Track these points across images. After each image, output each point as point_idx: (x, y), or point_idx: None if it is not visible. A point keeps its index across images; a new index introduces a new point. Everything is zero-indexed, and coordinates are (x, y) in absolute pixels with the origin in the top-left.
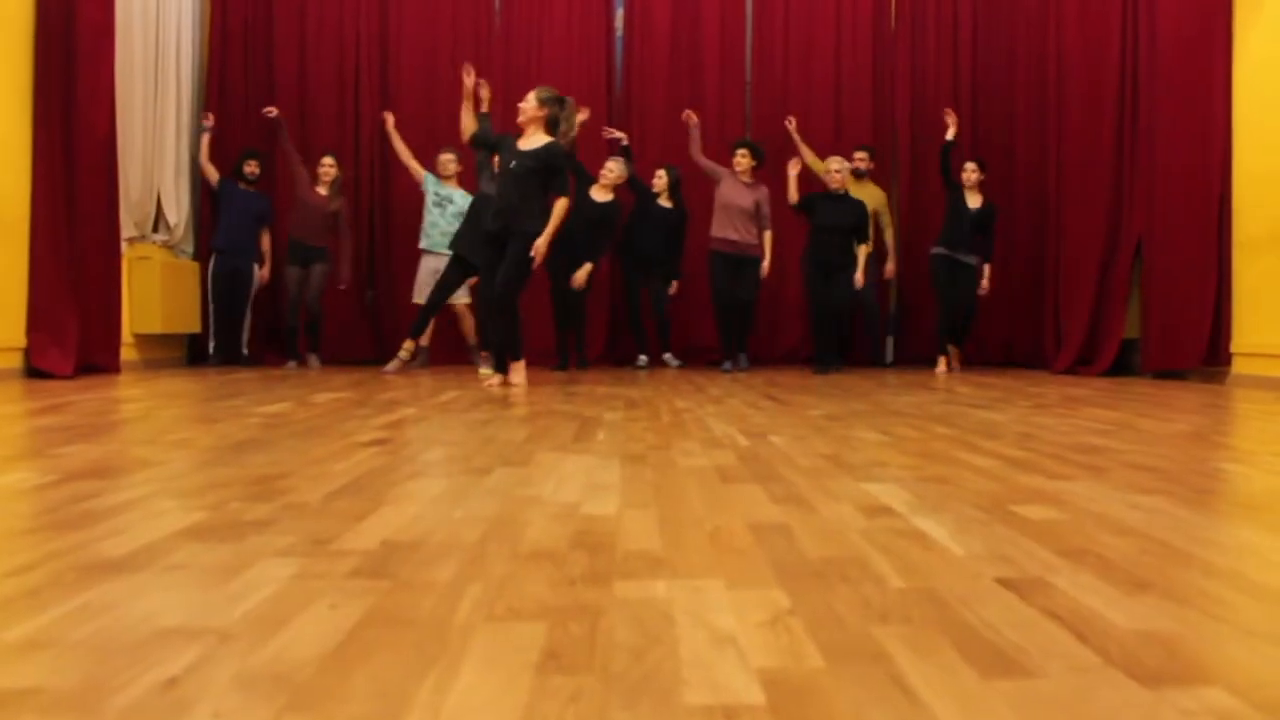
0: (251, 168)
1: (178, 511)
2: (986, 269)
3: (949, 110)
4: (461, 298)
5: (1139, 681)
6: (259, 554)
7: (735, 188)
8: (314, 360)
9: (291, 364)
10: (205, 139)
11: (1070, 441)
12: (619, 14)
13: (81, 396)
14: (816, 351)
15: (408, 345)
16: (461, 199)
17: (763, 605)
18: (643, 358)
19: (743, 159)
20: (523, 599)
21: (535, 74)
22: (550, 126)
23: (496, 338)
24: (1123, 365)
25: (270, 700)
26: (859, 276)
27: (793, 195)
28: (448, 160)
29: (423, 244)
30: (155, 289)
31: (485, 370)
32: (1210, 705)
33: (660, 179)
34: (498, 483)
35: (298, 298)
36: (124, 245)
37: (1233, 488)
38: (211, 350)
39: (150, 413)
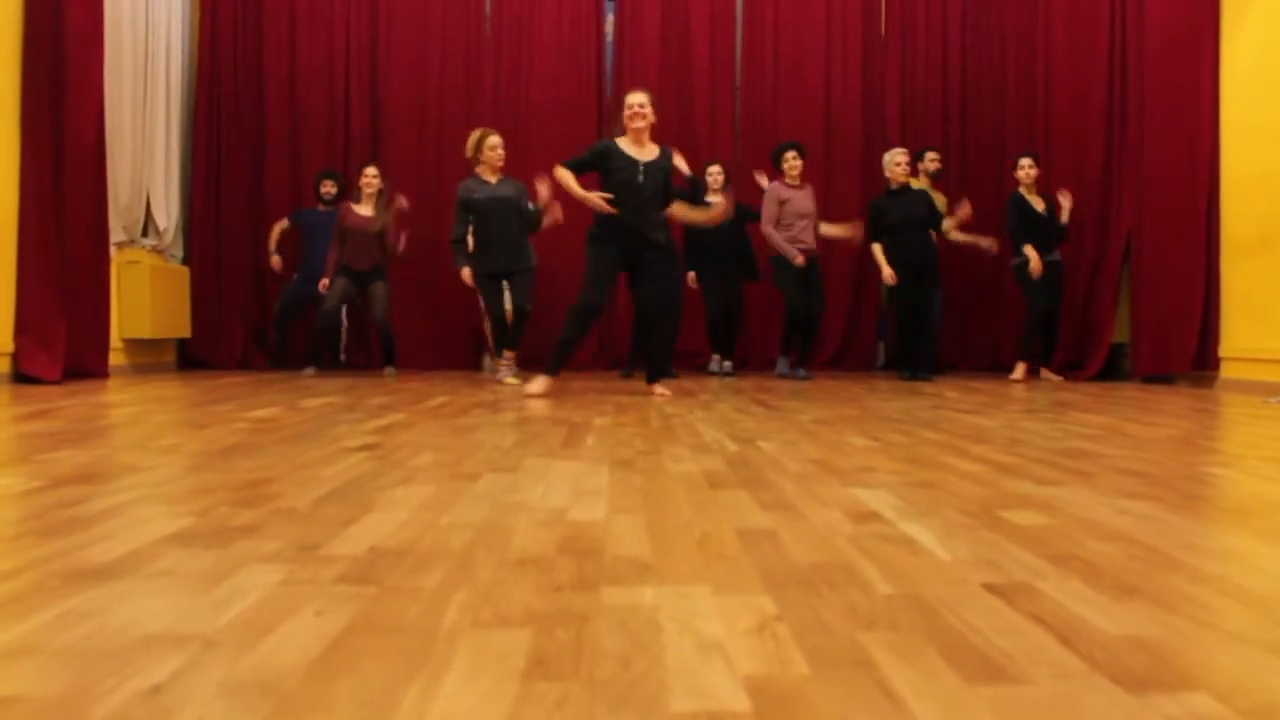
0: (328, 188)
1: (165, 517)
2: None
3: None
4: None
5: (1124, 687)
6: (245, 560)
7: (796, 195)
8: (389, 371)
9: (309, 370)
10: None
11: (1058, 446)
12: (610, 19)
13: (69, 402)
14: (898, 358)
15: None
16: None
17: (749, 612)
18: (726, 363)
19: (794, 161)
20: (509, 605)
21: (526, 78)
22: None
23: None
24: (1112, 369)
25: (254, 708)
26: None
27: (887, 274)
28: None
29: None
30: (144, 293)
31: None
32: (1195, 711)
33: (715, 176)
34: (486, 488)
35: (334, 307)
36: (113, 250)
37: (1220, 493)
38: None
39: (138, 418)
